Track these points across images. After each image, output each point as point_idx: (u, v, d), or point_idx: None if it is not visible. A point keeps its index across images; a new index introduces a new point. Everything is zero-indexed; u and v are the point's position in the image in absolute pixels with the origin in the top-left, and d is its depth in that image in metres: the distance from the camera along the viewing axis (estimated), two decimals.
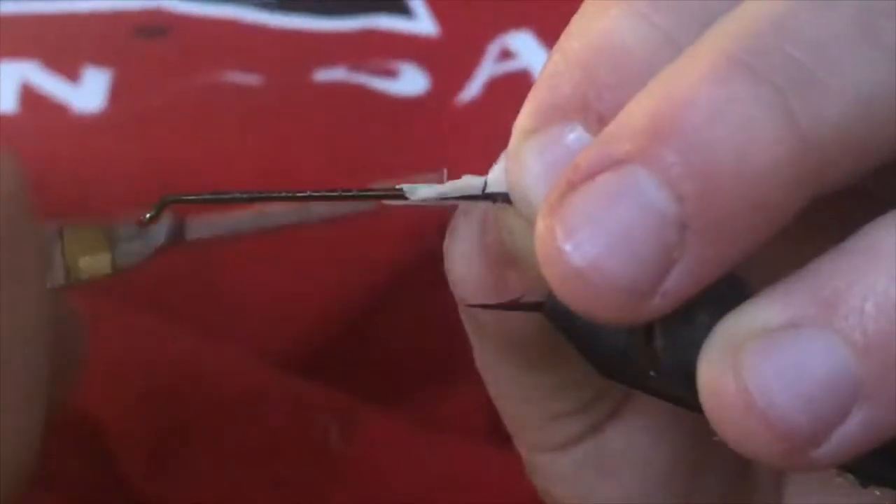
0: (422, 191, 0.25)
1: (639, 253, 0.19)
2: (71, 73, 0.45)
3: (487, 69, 0.47)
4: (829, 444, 0.20)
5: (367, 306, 0.41)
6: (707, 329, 0.21)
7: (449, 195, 0.24)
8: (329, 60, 0.46)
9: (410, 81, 0.47)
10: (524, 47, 0.48)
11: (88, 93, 0.45)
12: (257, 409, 0.38)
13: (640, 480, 0.27)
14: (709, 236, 0.19)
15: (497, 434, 0.40)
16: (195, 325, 0.39)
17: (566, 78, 0.22)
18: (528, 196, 0.22)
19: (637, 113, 0.20)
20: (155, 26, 0.46)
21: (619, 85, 0.21)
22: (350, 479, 0.37)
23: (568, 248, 0.19)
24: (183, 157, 0.42)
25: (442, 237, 0.25)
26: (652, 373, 0.23)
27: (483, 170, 0.41)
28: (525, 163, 0.22)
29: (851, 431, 0.20)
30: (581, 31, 0.22)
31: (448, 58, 0.47)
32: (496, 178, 0.24)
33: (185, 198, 0.27)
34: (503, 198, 0.23)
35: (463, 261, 0.24)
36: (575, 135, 0.21)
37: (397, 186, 0.25)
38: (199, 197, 0.27)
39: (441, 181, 0.24)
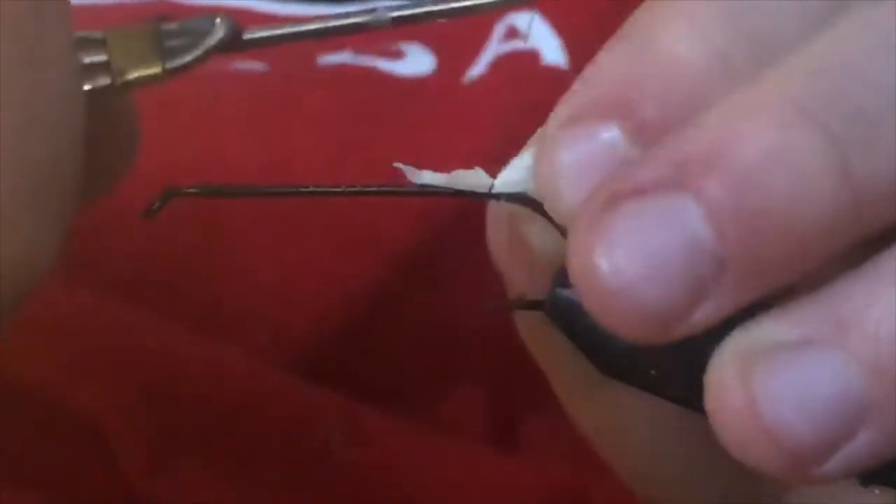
0: (426, 176, 0.25)
1: (673, 283, 0.19)
2: None
3: (494, 48, 0.47)
4: (834, 461, 0.20)
5: (369, 307, 0.41)
6: (710, 332, 0.21)
7: (456, 185, 0.24)
8: (334, 44, 0.46)
9: (416, 61, 0.47)
10: (532, 26, 0.48)
11: None
12: (258, 410, 0.38)
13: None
14: (744, 277, 0.19)
15: (499, 437, 0.40)
16: (196, 321, 0.39)
17: (611, 77, 0.21)
18: (556, 187, 0.21)
19: (695, 139, 0.20)
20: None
21: (666, 96, 0.21)
22: (351, 482, 0.37)
23: (605, 266, 0.19)
24: (191, 146, 0.42)
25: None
26: (653, 372, 0.23)
27: (489, 146, 0.41)
28: (558, 153, 0.21)
29: (856, 451, 0.20)
30: (633, 35, 0.22)
31: (454, 37, 0.47)
32: (506, 179, 0.24)
33: (188, 191, 0.27)
34: (514, 198, 0.23)
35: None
36: (610, 135, 0.21)
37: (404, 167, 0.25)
38: (204, 190, 0.27)
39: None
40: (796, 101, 0.19)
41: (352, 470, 0.37)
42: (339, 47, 0.46)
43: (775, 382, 0.19)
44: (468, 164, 0.24)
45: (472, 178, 0.24)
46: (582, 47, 0.45)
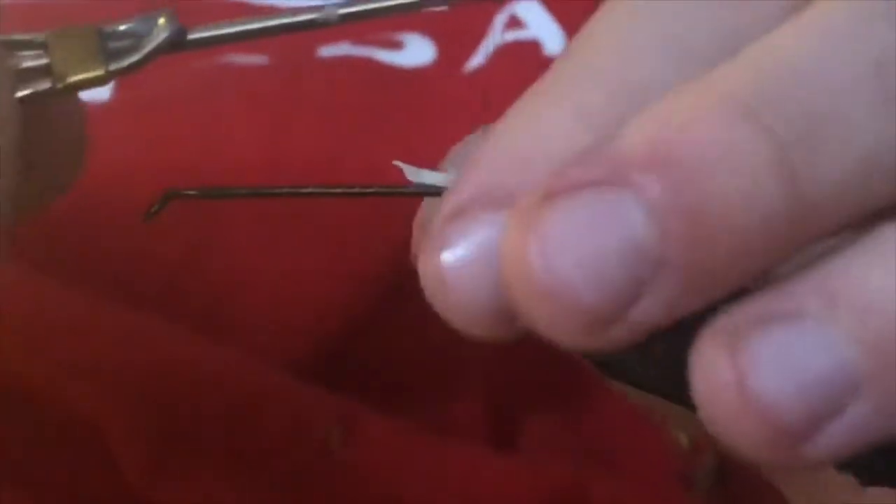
0: (427, 176, 0.24)
1: (608, 281, 0.19)
2: None
3: (495, 38, 0.47)
4: (820, 439, 0.19)
5: (368, 307, 0.41)
6: None
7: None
8: (333, 35, 0.46)
9: (417, 52, 0.46)
10: (532, 16, 0.47)
11: None
12: (257, 412, 0.37)
13: None
14: (683, 278, 0.19)
15: (498, 437, 0.40)
16: (196, 321, 0.39)
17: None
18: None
19: (634, 138, 0.19)
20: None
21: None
22: (350, 483, 0.37)
23: (538, 262, 0.19)
24: (192, 142, 0.42)
25: None
26: (653, 372, 0.23)
27: None
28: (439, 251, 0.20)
29: (843, 429, 0.19)
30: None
31: (455, 27, 0.47)
32: None
33: (187, 192, 0.27)
34: None
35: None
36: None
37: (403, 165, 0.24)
38: (203, 192, 0.27)
39: None
40: (740, 101, 0.19)
41: (350, 470, 0.37)
42: (338, 38, 0.46)
43: (762, 352, 0.19)
44: None
45: None
46: None
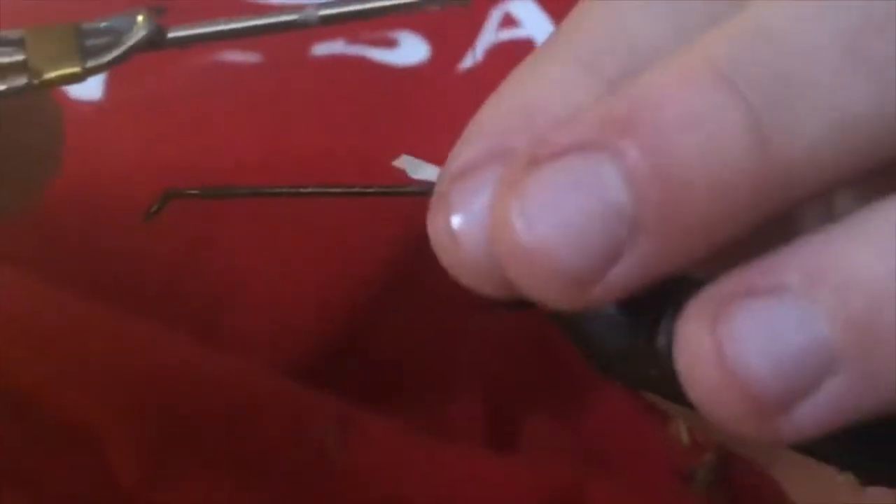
0: (427, 170, 0.24)
1: (587, 242, 0.19)
2: None
3: (489, 36, 0.47)
4: (796, 413, 0.19)
5: (368, 309, 0.41)
6: None
7: None
8: (327, 33, 0.46)
9: (410, 50, 0.46)
10: (527, 14, 0.47)
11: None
12: (254, 415, 0.37)
13: None
14: (659, 239, 0.19)
15: (498, 437, 0.40)
16: (194, 322, 0.39)
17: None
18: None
19: (615, 104, 0.20)
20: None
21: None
22: (349, 484, 0.37)
23: (520, 224, 0.19)
24: (188, 141, 0.42)
25: None
26: (653, 372, 0.23)
27: None
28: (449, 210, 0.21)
29: (820, 405, 0.19)
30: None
31: (448, 25, 0.47)
32: None
33: (187, 192, 0.26)
34: None
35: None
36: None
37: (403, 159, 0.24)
38: (203, 192, 0.27)
39: None
40: (715, 67, 0.19)
41: (349, 471, 0.37)
42: (332, 37, 0.46)
43: (741, 326, 0.19)
44: None
45: None
46: None
